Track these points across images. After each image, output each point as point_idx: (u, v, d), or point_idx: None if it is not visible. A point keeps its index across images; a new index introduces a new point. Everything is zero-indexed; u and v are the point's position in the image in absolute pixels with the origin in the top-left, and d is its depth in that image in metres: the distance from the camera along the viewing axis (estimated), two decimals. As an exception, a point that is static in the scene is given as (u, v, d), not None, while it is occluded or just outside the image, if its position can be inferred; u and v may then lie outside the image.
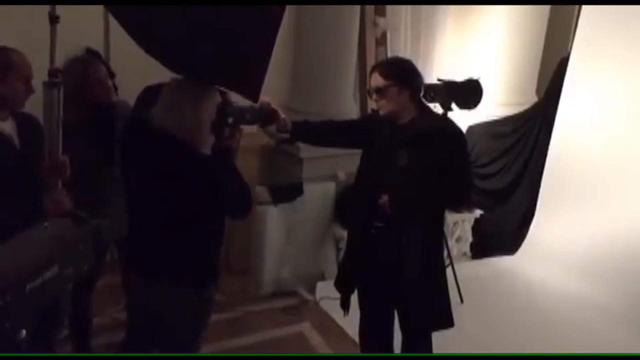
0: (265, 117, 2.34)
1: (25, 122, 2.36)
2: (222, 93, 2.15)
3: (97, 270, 2.87)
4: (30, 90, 2.30)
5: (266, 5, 1.84)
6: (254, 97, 2.12)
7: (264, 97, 2.25)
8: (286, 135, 2.50)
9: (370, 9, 4.91)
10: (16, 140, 2.30)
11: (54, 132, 2.26)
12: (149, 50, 2.18)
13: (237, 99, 2.21)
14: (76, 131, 2.46)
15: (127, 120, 2.30)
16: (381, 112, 2.51)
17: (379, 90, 2.47)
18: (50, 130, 2.26)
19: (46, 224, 1.46)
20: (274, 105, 2.36)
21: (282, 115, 2.41)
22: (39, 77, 2.27)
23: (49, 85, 2.23)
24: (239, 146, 2.19)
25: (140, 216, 2.21)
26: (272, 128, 2.44)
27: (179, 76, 2.15)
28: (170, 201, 2.09)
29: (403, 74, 2.49)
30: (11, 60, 2.24)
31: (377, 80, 2.48)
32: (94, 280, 2.98)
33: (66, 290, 2.36)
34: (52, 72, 2.23)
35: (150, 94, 2.12)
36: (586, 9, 4.88)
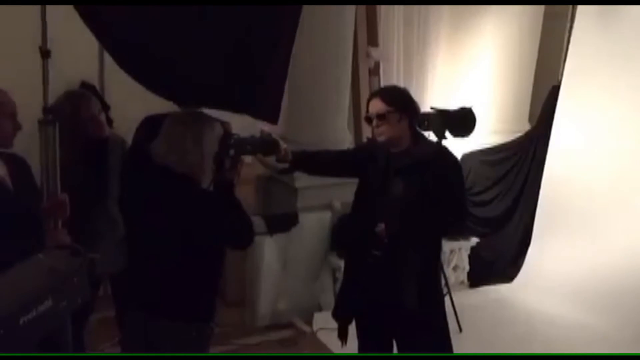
0: (267, 147, 2.33)
1: (13, 163, 2.30)
2: (223, 124, 2.14)
3: (90, 304, 2.83)
4: (16, 127, 2.24)
5: (280, 11, 1.76)
6: (273, 117, 2.05)
7: (264, 127, 2.25)
8: (286, 165, 2.50)
9: (363, 39, 4.97)
10: (8, 181, 2.24)
11: (52, 171, 2.20)
12: (149, 84, 2.10)
13: (236, 130, 2.20)
14: (70, 166, 2.43)
15: (126, 153, 2.27)
16: (381, 139, 2.51)
17: (381, 116, 2.47)
18: (47, 169, 2.19)
19: (41, 255, 1.45)
20: (274, 136, 2.36)
21: (284, 146, 2.41)
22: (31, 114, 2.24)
23: (44, 123, 2.18)
24: (239, 178, 2.17)
25: (139, 250, 2.19)
26: (271, 158, 2.44)
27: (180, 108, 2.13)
28: (170, 235, 2.06)
29: (404, 101, 2.52)
30: None
31: (378, 106, 2.49)
32: (87, 314, 2.94)
33: (67, 323, 2.31)
34: (47, 110, 2.18)
35: (151, 124, 2.10)
36: (576, 36, 4.95)
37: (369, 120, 2.55)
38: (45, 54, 2.15)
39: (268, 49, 1.82)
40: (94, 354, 3.07)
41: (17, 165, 2.32)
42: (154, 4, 1.79)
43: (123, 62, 2.08)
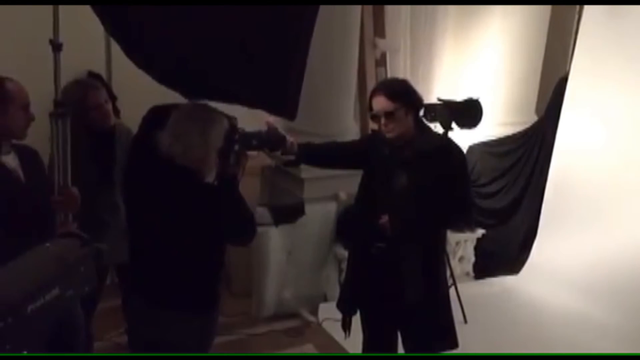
0: (273, 142, 2.32)
1: (25, 154, 2.31)
2: (229, 119, 2.13)
3: (97, 293, 2.85)
4: (30, 118, 2.25)
5: (299, 9, 1.76)
6: (291, 114, 2.04)
7: (270, 119, 2.25)
8: (292, 157, 2.50)
9: (369, 30, 4.94)
10: (21, 174, 2.26)
11: (64, 164, 2.19)
12: (164, 79, 2.09)
13: (242, 124, 2.19)
14: (75, 155, 2.44)
15: (131, 143, 2.27)
16: (390, 135, 2.47)
17: (389, 114, 2.43)
18: (59, 162, 2.19)
19: (48, 244, 1.46)
20: (281, 130, 2.35)
21: (291, 139, 2.40)
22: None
23: (55, 116, 2.16)
24: (244, 173, 2.17)
25: (141, 241, 2.19)
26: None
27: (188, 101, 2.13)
28: (172, 227, 2.07)
29: (408, 95, 2.49)
30: (6, 89, 2.17)
31: (384, 103, 2.44)
32: (95, 303, 2.96)
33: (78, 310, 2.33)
34: (58, 102, 2.16)
35: (157, 115, 2.10)
36: (584, 29, 4.92)
37: (375, 118, 2.50)
38: (56, 46, 2.14)
39: (286, 45, 1.81)
40: (98, 354, 3.08)
41: (30, 157, 2.33)
42: (170, 4, 1.78)
43: (136, 56, 2.05)
